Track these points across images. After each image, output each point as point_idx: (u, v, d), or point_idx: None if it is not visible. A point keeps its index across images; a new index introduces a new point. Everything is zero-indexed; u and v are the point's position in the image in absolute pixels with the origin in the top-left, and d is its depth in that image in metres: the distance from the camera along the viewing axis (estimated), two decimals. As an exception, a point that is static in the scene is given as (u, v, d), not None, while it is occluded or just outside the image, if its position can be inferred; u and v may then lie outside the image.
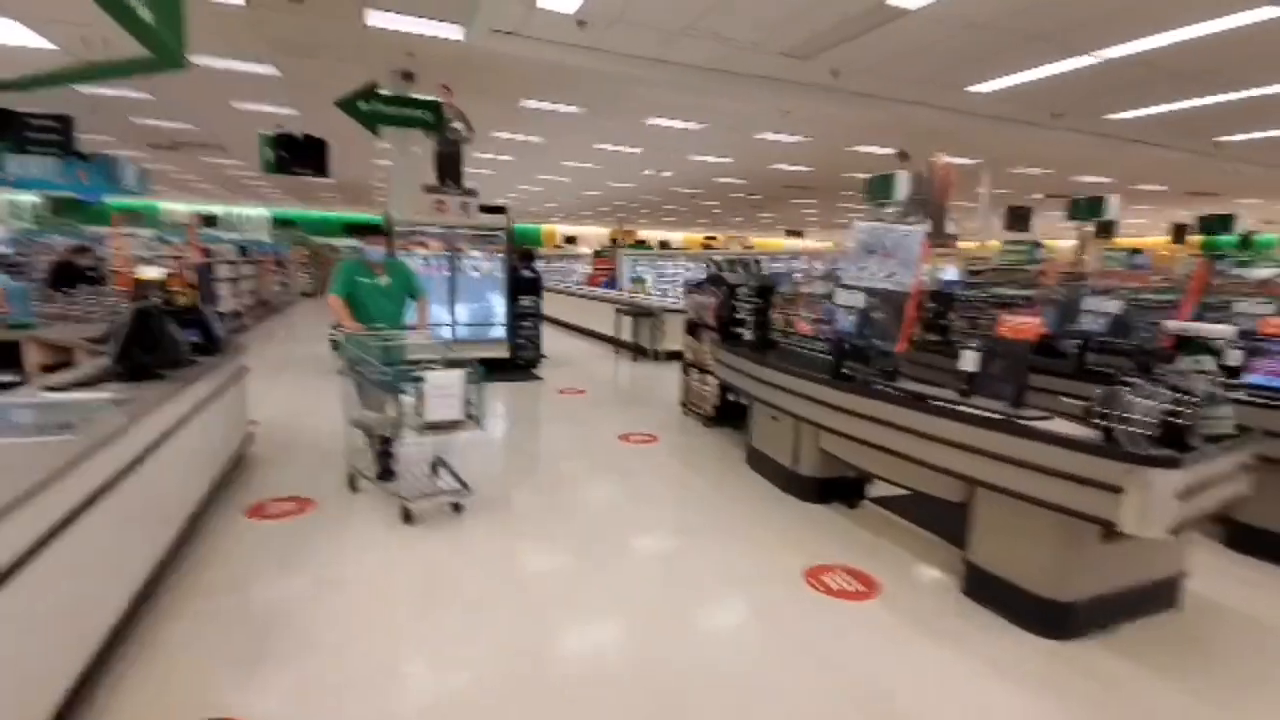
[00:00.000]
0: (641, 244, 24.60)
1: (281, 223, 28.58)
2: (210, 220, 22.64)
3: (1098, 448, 2.56)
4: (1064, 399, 3.71)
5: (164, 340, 3.34)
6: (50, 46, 7.18)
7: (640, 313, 10.59)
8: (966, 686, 2.56)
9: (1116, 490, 2.44)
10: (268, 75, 9.03)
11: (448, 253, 8.88)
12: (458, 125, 8.73)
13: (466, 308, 9.09)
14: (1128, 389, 2.57)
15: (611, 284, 17.64)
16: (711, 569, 3.48)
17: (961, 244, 13.21)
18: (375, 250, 4.70)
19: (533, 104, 10.22)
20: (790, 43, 6.66)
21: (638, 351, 10.50)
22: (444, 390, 3.63)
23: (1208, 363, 3.56)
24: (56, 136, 8.81)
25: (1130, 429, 2.49)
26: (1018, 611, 2.94)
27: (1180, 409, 2.51)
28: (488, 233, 9.10)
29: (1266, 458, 3.13)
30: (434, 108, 7.81)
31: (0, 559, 1.70)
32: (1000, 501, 2.98)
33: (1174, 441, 2.52)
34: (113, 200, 17.44)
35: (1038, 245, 15.27)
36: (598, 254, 20.71)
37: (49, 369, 5.02)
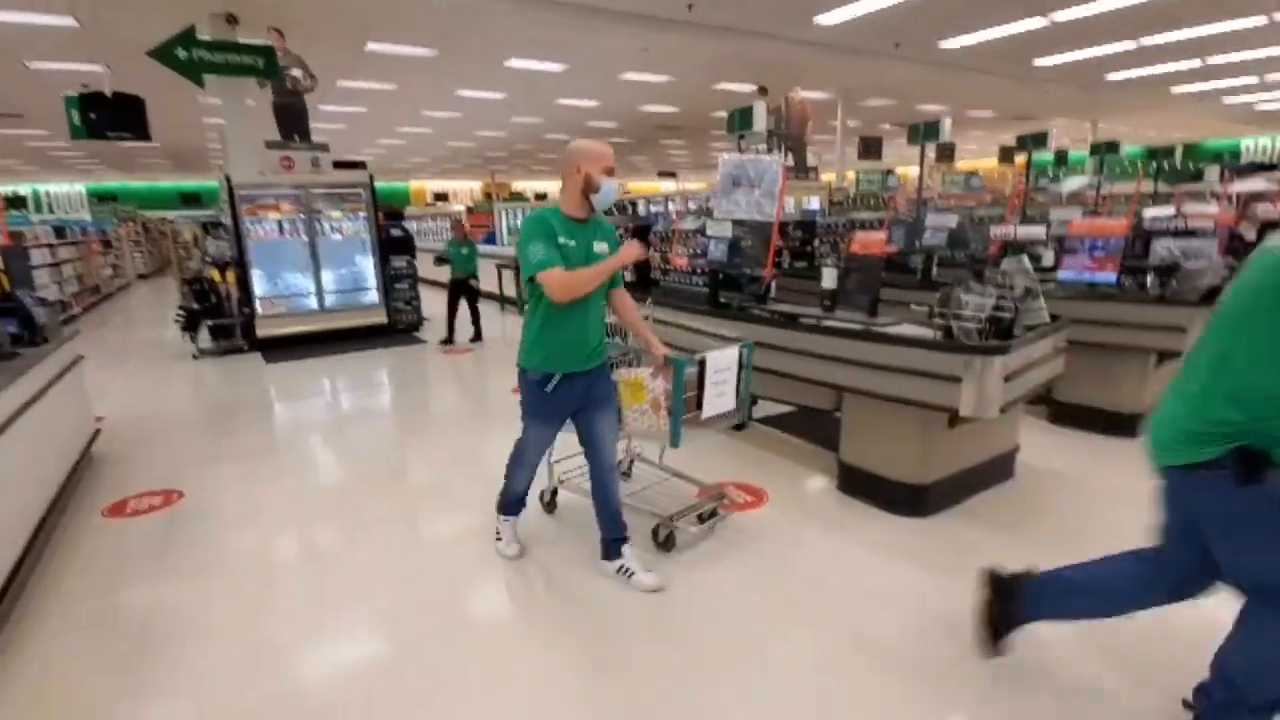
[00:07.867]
0: (518, 196, 23.90)
1: (103, 197, 25.17)
2: (17, 202, 19.54)
3: (938, 344, 2.87)
4: (914, 307, 4.08)
5: (-30, 332, 2.93)
6: None
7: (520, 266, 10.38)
8: (849, 564, 2.88)
9: (955, 380, 2.77)
10: (65, 27, 7.88)
11: (303, 215, 8.24)
12: (296, 73, 8.00)
13: (333, 274, 8.53)
14: (961, 290, 2.88)
15: (491, 239, 17.04)
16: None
17: (825, 177, 13.84)
18: None
19: (380, 47, 9.54)
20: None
21: (523, 305, 10.34)
22: None
23: (1026, 262, 4.02)
24: None
25: (964, 325, 2.81)
26: (886, 499, 3.30)
27: (1003, 304, 2.86)
28: (346, 190, 8.52)
29: (1077, 342, 3.64)
30: (267, 53, 7.06)
31: None
32: (864, 404, 3.28)
33: (1000, 332, 2.87)
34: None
35: (890, 173, 16.29)
36: (471, 210, 19.93)
37: None
